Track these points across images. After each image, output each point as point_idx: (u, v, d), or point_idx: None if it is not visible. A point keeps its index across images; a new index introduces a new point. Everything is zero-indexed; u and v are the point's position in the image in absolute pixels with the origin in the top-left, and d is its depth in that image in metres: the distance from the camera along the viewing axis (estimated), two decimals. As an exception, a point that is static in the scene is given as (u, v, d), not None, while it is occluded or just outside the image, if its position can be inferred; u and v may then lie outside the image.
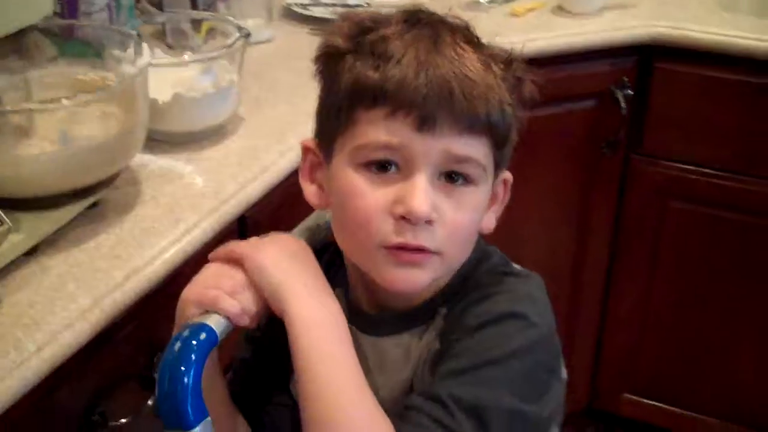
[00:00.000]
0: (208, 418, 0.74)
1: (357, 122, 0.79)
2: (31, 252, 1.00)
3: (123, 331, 0.99)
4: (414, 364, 0.85)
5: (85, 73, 1.15)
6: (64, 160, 1.02)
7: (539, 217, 1.83)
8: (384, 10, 0.84)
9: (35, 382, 0.86)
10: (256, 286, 0.81)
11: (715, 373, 1.90)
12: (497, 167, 0.83)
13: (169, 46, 1.45)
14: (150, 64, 1.10)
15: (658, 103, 1.76)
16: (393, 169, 0.78)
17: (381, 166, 0.78)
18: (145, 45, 1.11)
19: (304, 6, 1.78)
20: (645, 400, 1.98)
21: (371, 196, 0.78)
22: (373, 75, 0.77)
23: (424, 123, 0.76)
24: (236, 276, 0.82)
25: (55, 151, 1.03)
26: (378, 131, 0.77)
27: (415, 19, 0.81)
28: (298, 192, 0.89)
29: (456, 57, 0.77)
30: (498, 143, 0.81)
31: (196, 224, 1.09)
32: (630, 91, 1.74)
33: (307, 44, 1.67)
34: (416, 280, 0.80)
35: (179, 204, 1.13)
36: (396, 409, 0.78)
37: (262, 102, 1.41)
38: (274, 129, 1.33)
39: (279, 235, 0.87)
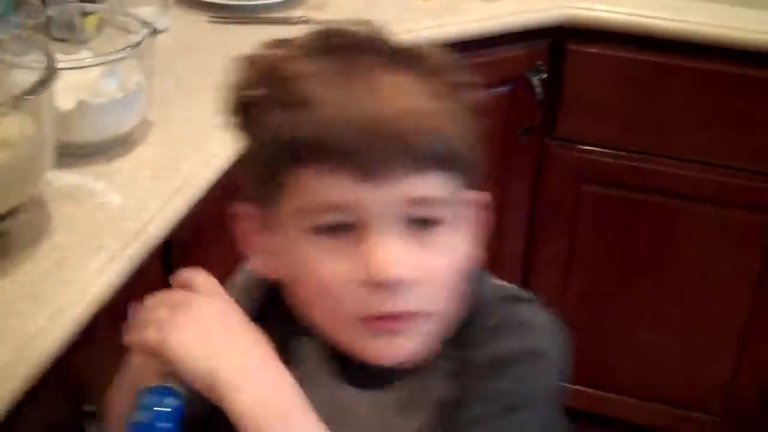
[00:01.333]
0: None
1: (292, 184, 0.68)
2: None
3: (46, 386, 0.86)
4: (422, 415, 0.74)
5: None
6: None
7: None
8: (295, 40, 0.72)
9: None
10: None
11: (635, 355, 1.90)
12: (467, 192, 0.72)
13: (58, 40, 1.28)
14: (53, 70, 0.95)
15: (572, 87, 1.71)
16: (350, 228, 0.67)
17: (334, 229, 0.67)
18: (51, 51, 0.97)
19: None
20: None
21: (333, 265, 0.67)
22: (294, 127, 0.66)
23: (366, 172, 0.65)
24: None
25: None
26: (317, 191, 0.66)
27: (327, 46, 0.69)
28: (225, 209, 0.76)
29: (381, 86, 0.66)
30: (459, 168, 0.69)
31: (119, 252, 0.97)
32: (545, 75, 1.69)
33: (208, 34, 1.54)
34: (401, 349, 0.69)
35: (96, 229, 1.00)
36: None
37: (170, 103, 1.27)
38: (187, 134, 1.20)
39: (196, 299, 0.69)
